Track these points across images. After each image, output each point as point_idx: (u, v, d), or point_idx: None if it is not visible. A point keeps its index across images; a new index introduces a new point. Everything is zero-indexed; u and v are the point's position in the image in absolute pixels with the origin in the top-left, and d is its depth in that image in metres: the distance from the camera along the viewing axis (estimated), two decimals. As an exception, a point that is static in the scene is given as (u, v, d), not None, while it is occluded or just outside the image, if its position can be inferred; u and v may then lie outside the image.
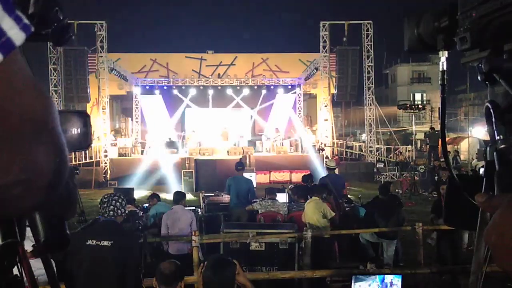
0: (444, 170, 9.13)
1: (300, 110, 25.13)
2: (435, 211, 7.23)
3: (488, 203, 0.66)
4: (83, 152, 19.67)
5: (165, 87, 24.08)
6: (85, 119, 1.04)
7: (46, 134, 0.51)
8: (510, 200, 0.60)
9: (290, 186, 10.27)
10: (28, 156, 0.49)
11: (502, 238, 0.57)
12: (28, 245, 0.98)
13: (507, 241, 0.57)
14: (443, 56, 0.90)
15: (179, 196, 6.91)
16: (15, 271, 0.94)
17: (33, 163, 0.49)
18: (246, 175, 9.59)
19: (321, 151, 20.29)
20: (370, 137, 22.65)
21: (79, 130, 1.00)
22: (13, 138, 0.47)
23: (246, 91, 24.04)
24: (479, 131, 26.39)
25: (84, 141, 1.03)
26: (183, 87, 23.83)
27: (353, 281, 4.46)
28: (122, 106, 27.52)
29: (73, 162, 18.30)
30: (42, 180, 0.51)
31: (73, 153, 17.26)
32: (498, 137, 0.73)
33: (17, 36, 0.45)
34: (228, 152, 20.20)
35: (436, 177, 12.57)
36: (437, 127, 23.00)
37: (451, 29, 0.84)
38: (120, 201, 3.62)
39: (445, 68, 0.92)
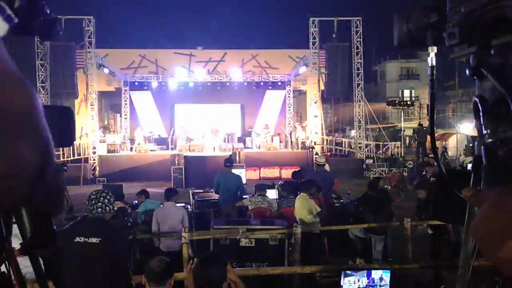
0: (430, 166, 9.18)
1: (289, 107, 25.18)
2: (420, 210, 7.32)
3: (475, 197, 0.66)
4: (71, 148, 19.51)
5: (154, 83, 23.95)
6: (69, 115, 1.02)
7: (30, 128, 0.50)
8: (497, 194, 0.61)
9: (280, 183, 10.28)
10: (12, 150, 0.48)
11: (489, 231, 0.58)
12: (16, 243, 0.97)
13: (494, 235, 0.57)
14: (432, 51, 0.91)
15: (171, 193, 6.88)
16: (3, 268, 0.93)
17: (17, 157, 0.49)
18: (236, 171, 9.57)
19: (311, 149, 20.36)
20: (359, 133, 22.76)
21: (62, 126, 0.98)
22: None
23: (235, 88, 24.02)
24: (467, 128, 26.68)
25: (68, 137, 1.01)
26: (172, 83, 23.74)
27: (342, 276, 4.49)
28: (110, 102, 27.32)
29: (61, 159, 18.14)
30: (27, 175, 0.51)
31: (61, 150, 17.11)
32: (485, 132, 0.74)
33: (0, 27, 0.45)
34: (218, 148, 20.19)
35: (423, 173, 12.67)
36: (426, 123, 23.20)
37: (440, 25, 0.85)
38: (108, 197, 3.60)
39: (434, 64, 0.92)
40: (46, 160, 0.54)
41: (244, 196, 8.34)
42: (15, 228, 0.95)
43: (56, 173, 0.59)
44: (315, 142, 21.07)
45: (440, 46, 0.89)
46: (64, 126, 0.98)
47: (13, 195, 0.51)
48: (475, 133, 0.80)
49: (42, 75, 21.18)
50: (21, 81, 0.49)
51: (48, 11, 0.94)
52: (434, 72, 0.93)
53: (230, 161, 9.18)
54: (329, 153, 21.37)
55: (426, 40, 0.90)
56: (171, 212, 6.52)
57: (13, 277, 0.94)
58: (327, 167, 18.28)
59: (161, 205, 7.00)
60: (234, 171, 9.21)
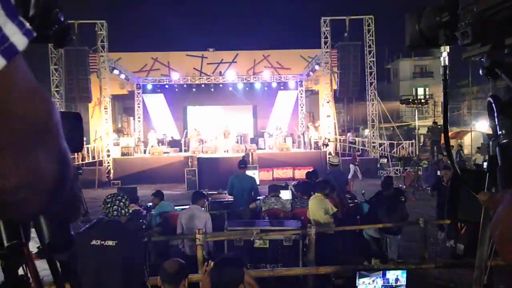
0: (447, 169, 8.87)
1: (302, 107, 25.12)
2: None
3: (491, 200, 0.66)
4: (86, 151, 19.74)
5: (166, 86, 24.12)
6: (77, 120, 1.03)
7: (49, 138, 0.51)
8: None
9: (293, 183, 10.26)
10: (31, 161, 0.49)
11: (507, 231, 0.58)
12: (34, 246, 0.99)
13: (511, 235, 0.57)
14: (445, 51, 0.90)
15: (197, 196, 6.86)
16: (21, 271, 0.94)
17: (36, 167, 0.50)
18: (249, 172, 9.57)
19: (325, 146, 20.28)
20: (373, 132, 22.61)
21: (71, 132, 0.98)
22: (16, 142, 0.47)
23: (247, 89, 24.06)
24: (483, 125, 26.31)
25: (77, 143, 1.01)
26: (185, 86, 23.86)
27: (357, 277, 4.46)
28: (124, 105, 27.59)
29: (76, 162, 18.35)
30: (45, 185, 0.52)
31: (75, 153, 17.30)
32: (500, 132, 0.73)
33: (20, 41, 0.46)
34: (230, 149, 20.23)
35: (438, 172, 12.49)
36: (440, 121, 22.90)
37: (452, 24, 0.84)
38: (123, 201, 3.64)
39: (447, 63, 0.92)
40: (64, 170, 0.55)
41: (257, 198, 8.34)
42: (32, 232, 0.97)
43: (73, 180, 0.60)
44: (329, 139, 20.96)
45: (453, 46, 0.89)
46: (73, 132, 0.99)
47: (32, 205, 0.52)
48: (490, 131, 0.79)
49: (56, 79, 21.46)
50: (40, 92, 0.51)
51: (62, 19, 0.95)
52: (447, 71, 0.92)
53: (244, 163, 9.17)
54: (358, 152, 21.28)
55: (438, 40, 0.89)
56: (195, 215, 6.50)
57: (31, 279, 0.96)
58: (353, 168, 18.30)
59: (187, 207, 6.99)
60: (247, 172, 9.21)
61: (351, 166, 19.09)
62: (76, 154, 17.69)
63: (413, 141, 23.65)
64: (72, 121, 1.01)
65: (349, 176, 18.40)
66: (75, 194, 0.66)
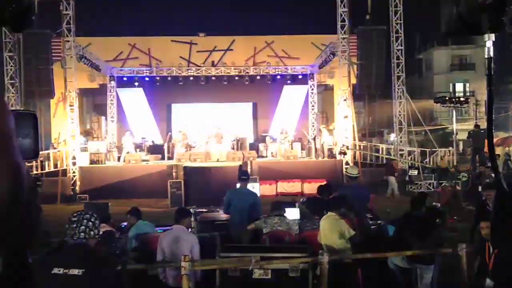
0: (490, 189, 8.06)
1: (313, 105, 25.17)
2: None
3: None
4: (46, 158, 19.72)
5: (146, 78, 24.19)
6: (33, 121, 1.01)
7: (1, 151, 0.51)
8: None
9: (302, 200, 10.26)
10: None
11: None
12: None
13: None
14: (489, 40, 0.90)
15: (181, 214, 6.75)
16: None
17: None
18: (248, 186, 9.57)
19: (342, 155, 20.25)
20: (401, 137, 22.63)
21: (26, 135, 0.96)
22: None
23: (246, 82, 24.11)
24: (536, 129, 26.36)
25: (33, 149, 0.99)
26: (169, 78, 23.91)
27: (381, 316, 4.46)
28: (94, 102, 27.68)
29: (34, 172, 18.34)
30: None
31: (33, 161, 17.30)
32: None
33: None
34: (225, 157, 20.24)
35: (479, 188, 12.44)
36: (483, 124, 22.95)
37: (498, 8, 0.84)
38: (92, 220, 3.63)
39: (491, 55, 0.92)
40: (18, 186, 0.54)
41: (259, 217, 8.33)
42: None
43: (30, 197, 0.60)
44: (347, 147, 20.93)
45: (498, 33, 0.89)
46: (28, 136, 0.97)
47: None
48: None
49: (11, 69, 21.50)
50: None
51: (21, -1, 0.96)
52: (492, 64, 0.92)
53: (246, 174, 9.15)
54: (395, 161, 21.30)
55: (481, 26, 0.89)
56: (179, 238, 6.40)
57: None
58: (393, 181, 18.23)
59: (170, 228, 6.95)
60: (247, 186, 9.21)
61: (390, 178, 19.05)
62: (34, 162, 17.68)
63: (450, 148, 23.66)
64: (26, 123, 0.99)
65: (389, 191, 18.39)
66: (32, 213, 0.66)
